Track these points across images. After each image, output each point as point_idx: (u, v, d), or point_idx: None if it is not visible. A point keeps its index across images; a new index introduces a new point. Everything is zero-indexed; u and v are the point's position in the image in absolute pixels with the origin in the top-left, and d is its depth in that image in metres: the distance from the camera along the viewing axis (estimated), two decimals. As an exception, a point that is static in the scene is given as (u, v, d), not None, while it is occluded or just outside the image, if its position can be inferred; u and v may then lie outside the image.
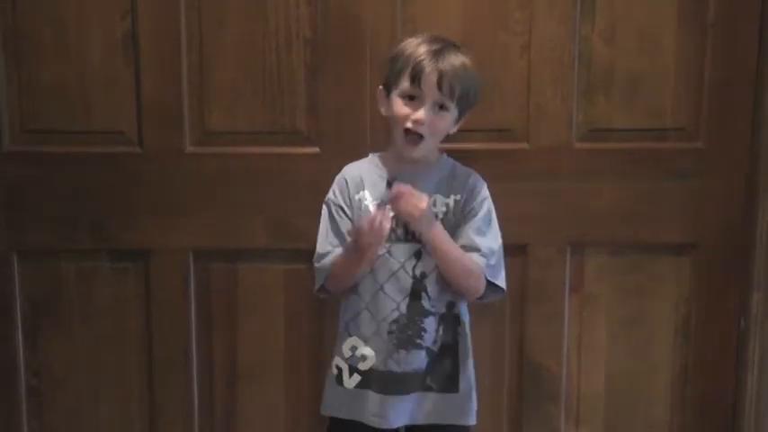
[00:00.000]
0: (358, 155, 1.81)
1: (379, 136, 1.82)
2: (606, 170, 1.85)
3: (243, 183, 1.86)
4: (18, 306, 1.91)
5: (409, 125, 1.57)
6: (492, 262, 1.63)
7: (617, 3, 1.81)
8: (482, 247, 1.62)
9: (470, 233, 1.62)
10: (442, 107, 1.58)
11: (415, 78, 1.55)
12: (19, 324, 1.91)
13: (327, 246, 1.65)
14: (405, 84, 1.57)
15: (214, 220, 1.87)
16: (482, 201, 1.65)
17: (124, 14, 1.81)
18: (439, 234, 1.59)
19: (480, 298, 1.65)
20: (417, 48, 1.57)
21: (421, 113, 1.56)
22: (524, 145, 1.85)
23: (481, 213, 1.64)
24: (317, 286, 1.69)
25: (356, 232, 1.56)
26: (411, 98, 1.57)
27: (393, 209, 1.53)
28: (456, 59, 1.57)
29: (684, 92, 1.83)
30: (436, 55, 1.55)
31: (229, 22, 1.82)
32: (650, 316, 1.91)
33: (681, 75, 1.83)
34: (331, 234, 1.65)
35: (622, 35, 1.81)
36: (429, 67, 1.54)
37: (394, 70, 1.59)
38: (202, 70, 1.83)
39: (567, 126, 1.84)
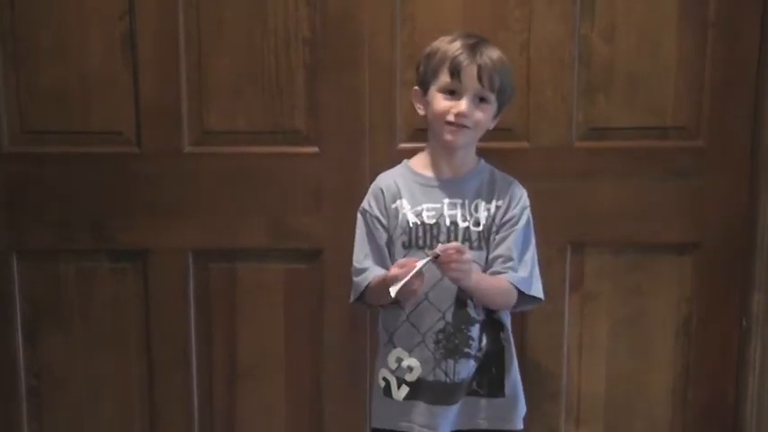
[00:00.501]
0: (358, 154, 1.82)
1: (380, 136, 1.82)
2: (606, 169, 1.85)
3: (242, 183, 1.86)
4: (18, 306, 1.91)
5: (451, 118, 1.56)
6: (524, 274, 1.61)
7: (617, 1, 1.80)
8: (517, 260, 1.60)
9: (509, 244, 1.60)
10: (482, 100, 1.57)
11: (455, 72, 1.54)
12: (19, 324, 1.92)
13: (365, 260, 1.62)
14: (444, 78, 1.56)
15: (213, 220, 1.87)
16: (523, 210, 1.63)
17: (122, 15, 1.81)
18: (479, 279, 1.55)
19: (514, 307, 1.64)
20: (452, 43, 1.56)
21: (463, 105, 1.55)
22: (524, 144, 1.84)
23: (521, 224, 1.62)
24: (352, 299, 1.66)
25: (389, 292, 1.48)
26: (451, 93, 1.56)
27: (444, 273, 1.49)
28: (493, 53, 1.57)
29: (685, 91, 1.82)
30: (473, 48, 1.55)
31: (228, 22, 1.81)
32: (651, 316, 1.90)
33: (681, 73, 1.82)
34: (367, 246, 1.63)
35: (622, 34, 1.80)
36: (468, 61, 1.54)
37: (430, 67, 1.58)
38: (201, 70, 1.82)
39: (567, 125, 1.83)
